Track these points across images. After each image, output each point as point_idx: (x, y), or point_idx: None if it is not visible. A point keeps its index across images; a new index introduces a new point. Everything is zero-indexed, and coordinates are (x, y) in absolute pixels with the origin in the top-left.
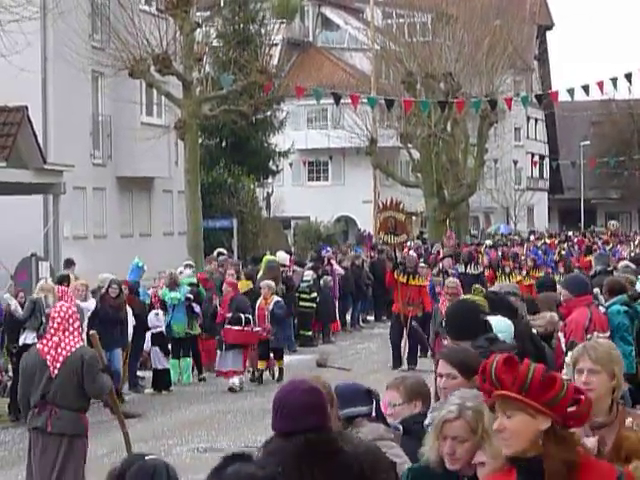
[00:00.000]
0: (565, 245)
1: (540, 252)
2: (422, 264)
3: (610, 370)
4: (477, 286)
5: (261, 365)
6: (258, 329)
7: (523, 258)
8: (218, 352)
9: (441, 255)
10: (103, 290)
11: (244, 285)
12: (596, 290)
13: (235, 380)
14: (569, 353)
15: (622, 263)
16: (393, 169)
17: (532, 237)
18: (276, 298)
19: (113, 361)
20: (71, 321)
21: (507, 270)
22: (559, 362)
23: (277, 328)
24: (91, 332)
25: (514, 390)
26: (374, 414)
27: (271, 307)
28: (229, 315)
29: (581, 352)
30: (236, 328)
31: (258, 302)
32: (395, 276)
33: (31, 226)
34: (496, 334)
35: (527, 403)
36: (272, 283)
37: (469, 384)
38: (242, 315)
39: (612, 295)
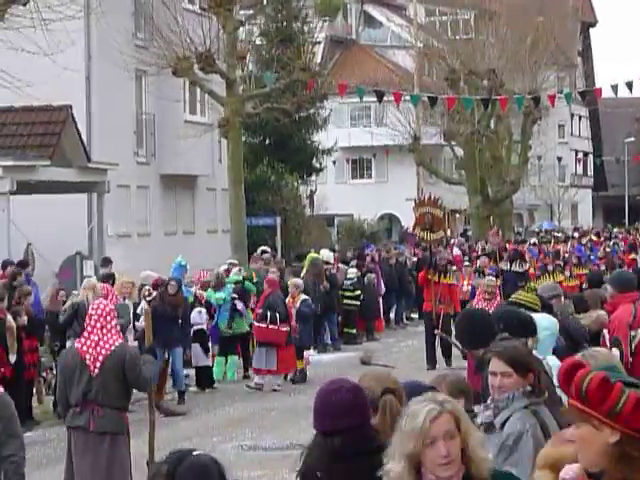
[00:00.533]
0: (610, 242)
1: (584, 249)
2: (466, 263)
3: None
4: (532, 284)
5: (300, 365)
6: (286, 328)
7: (567, 255)
8: (254, 349)
9: (479, 253)
10: (161, 288)
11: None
12: None
13: (258, 379)
14: (613, 350)
15: None
16: (436, 166)
17: (576, 234)
18: (303, 296)
19: (174, 361)
20: (109, 318)
21: (550, 268)
22: None
23: (302, 327)
24: (145, 307)
25: (577, 399)
26: None
27: (298, 305)
28: (259, 312)
29: None
30: (262, 325)
31: (286, 300)
32: (428, 275)
33: (75, 225)
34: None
35: (589, 413)
36: (300, 281)
37: (524, 381)
38: (269, 312)
39: None
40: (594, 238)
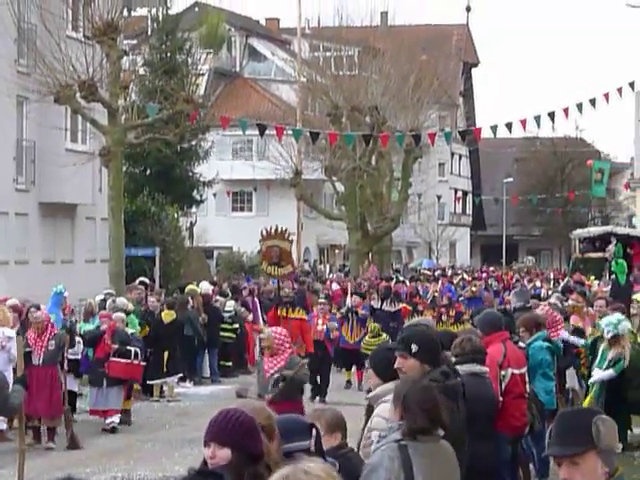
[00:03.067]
0: (479, 282)
1: (454, 288)
2: (322, 300)
3: None
4: (375, 325)
5: (126, 405)
6: (141, 363)
7: (437, 295)
8: (91, 389)
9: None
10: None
11: (168, 315)
12: None
13: (115, 419)
14: None
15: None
16: (317, 201)
17: (449, 272)
18: (131, 331)
19: None
20: None
21: (419, 309)
22: None
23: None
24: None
25: None
26: (313, 448)
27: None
28: (114, 347)
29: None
30: (121, 360)
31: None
32: (278, 312)
33: None
34: (451, 368)
35: None
36: (122, 315)
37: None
38: (123, 347)
39: (528, 332)
40: (465, 277)
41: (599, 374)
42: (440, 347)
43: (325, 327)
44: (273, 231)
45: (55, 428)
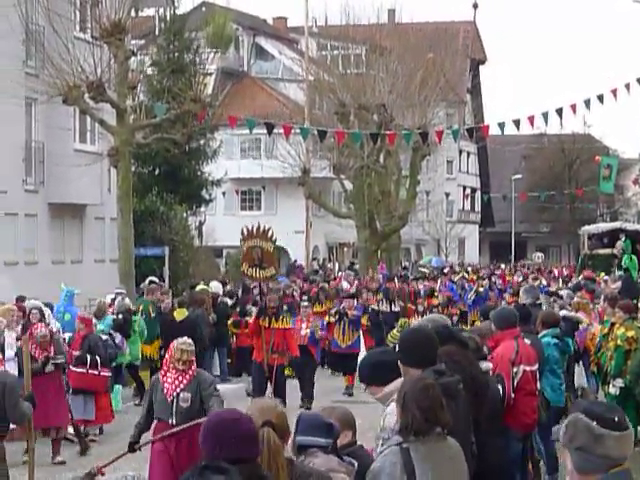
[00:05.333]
0: (485, 282)
1: (455, 287)
2: (305, 303)
3: None
4: (404, 319)
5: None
6: (107, 373)
7: (436, 294)
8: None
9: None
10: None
11: (180, 314)
12: None
13: (70, 430)
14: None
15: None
16: (325, 200)
17: (447, 270)
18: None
19: None
20: None
21: (420, 309)
22: None
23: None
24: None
25: None
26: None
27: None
28: (77, 354)
29: None
30: (80, 370)
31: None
32: (260, 321)
33: None
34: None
35: None
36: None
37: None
38: (89, 355)
39: (545, 327)
40: (466, 276)
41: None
42: (430, 345)
43: (309, 331)
44: (254, 230)
45: (60, 440)
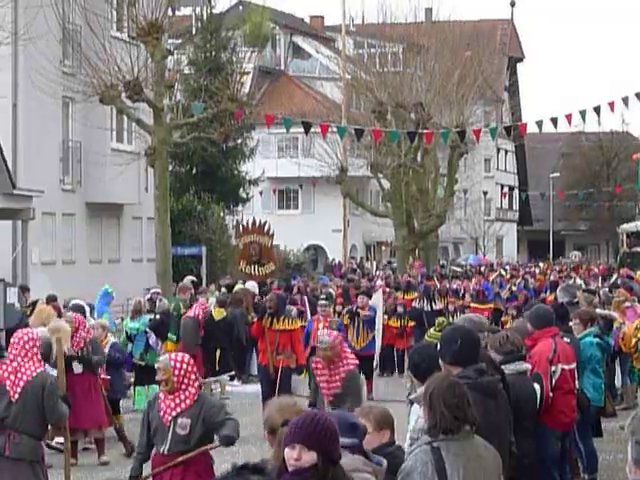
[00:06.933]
0: (517, 280)
1: (491, 286)
2: (322, 302)
3: None
4: (443, 319)
5: (117, 420)
6: (104, 377)
7: (461, 294)
8: None
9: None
10: None
11: (218, 313)
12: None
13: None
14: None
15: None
16: (363, 198)
17: (484, 269)
18: (112, 340)
19: None
20: (28, 347)
21: (451, 309)
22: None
23: (114, 375)
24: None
25: None
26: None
27: (107, 350)
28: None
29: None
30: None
31: None
32: (263, 322)
33: None
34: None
35: None
36: (105, 322)
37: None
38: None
39: (584, 325)
40: (503, 274)
41: None
42: (473, 344)
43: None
44: (250, 225)
45: (104, 440)
